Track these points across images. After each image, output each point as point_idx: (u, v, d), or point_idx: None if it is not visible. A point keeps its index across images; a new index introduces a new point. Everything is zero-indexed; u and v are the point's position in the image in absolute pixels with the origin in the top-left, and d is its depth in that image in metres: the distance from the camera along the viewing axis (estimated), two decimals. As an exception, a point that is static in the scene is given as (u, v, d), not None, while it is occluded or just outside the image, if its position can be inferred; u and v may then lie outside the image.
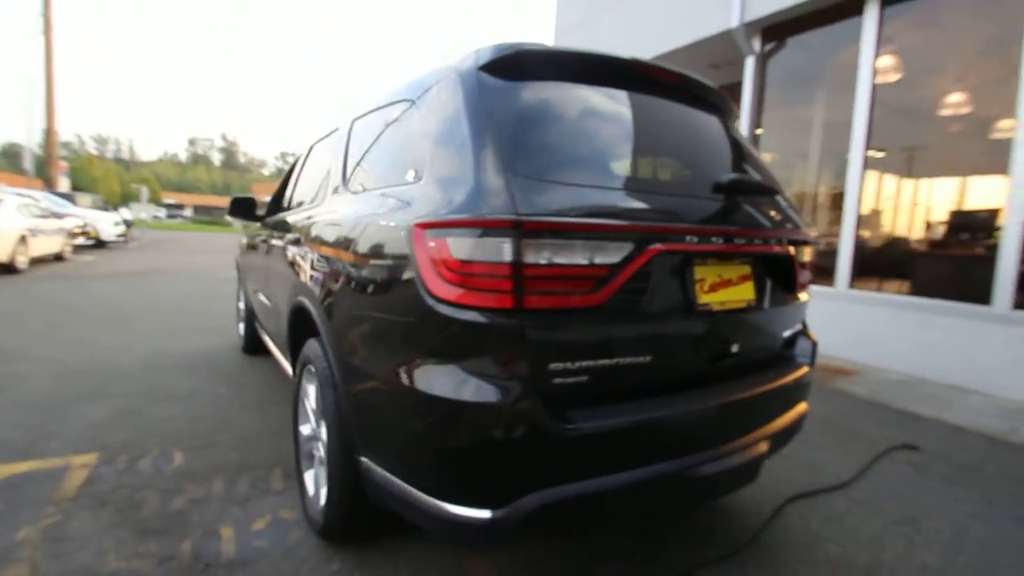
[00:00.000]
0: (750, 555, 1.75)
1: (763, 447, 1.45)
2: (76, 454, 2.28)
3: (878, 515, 2.07)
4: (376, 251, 1.33)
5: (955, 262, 4.38)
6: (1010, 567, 1.76)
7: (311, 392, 1.88)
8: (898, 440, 2.86)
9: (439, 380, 1.11)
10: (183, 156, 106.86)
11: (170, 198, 67.69)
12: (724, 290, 1.38)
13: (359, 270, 1.39)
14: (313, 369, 1.73)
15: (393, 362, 1.21)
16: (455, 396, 1.08)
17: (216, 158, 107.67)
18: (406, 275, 1.19)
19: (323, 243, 1.68)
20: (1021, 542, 1.93)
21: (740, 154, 1.65)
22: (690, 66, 7.12)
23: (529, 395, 1.08)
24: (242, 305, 4.21)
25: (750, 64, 5.57)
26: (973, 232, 4.32)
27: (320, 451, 1.74)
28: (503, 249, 1.06)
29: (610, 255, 1.14)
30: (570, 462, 1.12)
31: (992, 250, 3.93)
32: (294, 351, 2.09)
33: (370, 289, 1.33)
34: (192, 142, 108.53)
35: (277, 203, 3.42)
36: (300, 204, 2.51)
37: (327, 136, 2.47)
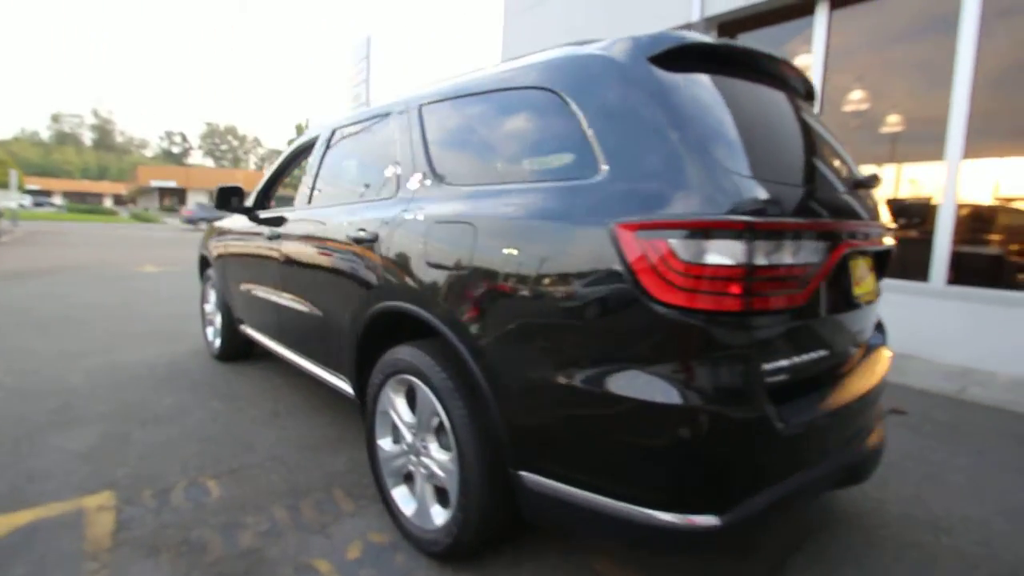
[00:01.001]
0: (824, 533, 1.88)
1: (881, 429, 1.55)
2: (83, 495, 1.93)
3: (907, 474, 2.31)
4: (553, 251, 1.22)
5: (898, 244, 4.94)
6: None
7: (400, 405, 1.73)
8: (887, 406, 3.21)
9: (661, 387, 1.06)
10: (45, 134, 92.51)
11: (33, 183, 58.47)
12: (862, 283, 1.44)
13: (525, 273, 1.28)
14: (417, 380, 1.59)
15: (594, 371, 1.14)
16: (687, 403, 1.04)
17: (87, 137, 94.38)
18: (608, 278, 1.11)
19: (440, 243, 1.51)
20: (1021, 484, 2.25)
21: (835, 145, 1.73)
22: (643, 56, 7.36)
23: (758, 395, 1.07)
24: (210, 307, 3.77)
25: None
26: (910, 217, 4.89)
27: (428, 467, 1.61)
28: (737, 251, 1.03)
29: (814, 254, 1.16)
30: (786, 459, 1.13)
31: (929, 234, 4.48)
32: (363, 360, 1.90)
33: (549, 294, 1.22)
34: (56, 118, 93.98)
35: (266, 197, 3.09)
36: (339, 198, 2.26)
37: (365, 122, 2.25)
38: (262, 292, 2.80)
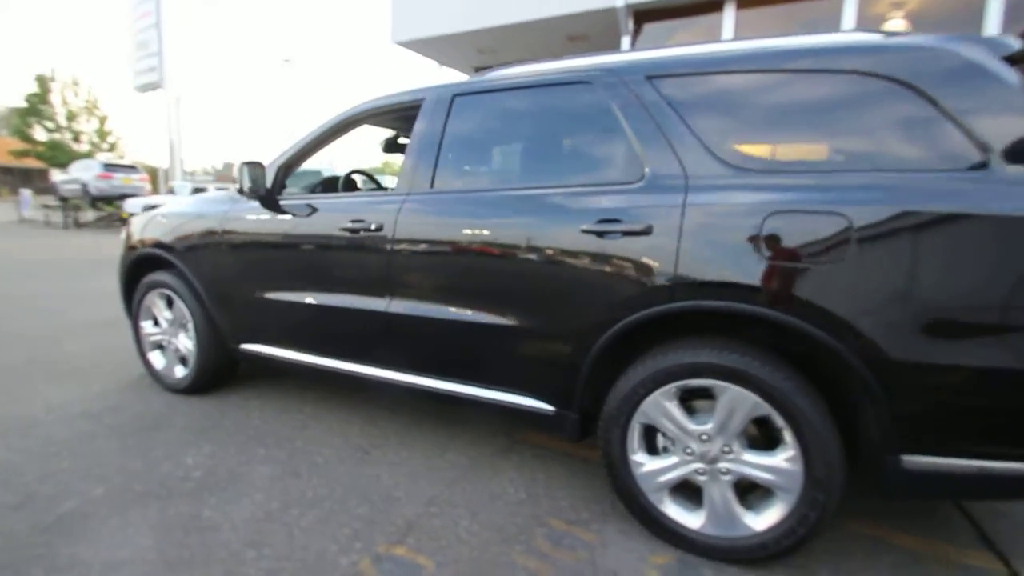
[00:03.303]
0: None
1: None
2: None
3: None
4: (959, 242, 1.25)
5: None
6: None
7: (675, 412, 1.58)
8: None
9: None
10: None
11: None
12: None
13: (937, 268, 1.27)
14: (725, 383, 1.47)
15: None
16: None
17: None
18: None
19: (793, 234, 1.38)
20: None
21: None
22: (546, 37, 7.41)
23: None
24: (163, 326, 2.77)
25: (626, 43, 6.18)
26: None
27: (735, 471, 1.52)
28: None
29: None
30: None
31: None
32: (596, 371, 1.67)
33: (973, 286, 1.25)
34: None
35: (285, 177, 2.39)
36: (504, 181, 1.85)
37: (526, 91, 1.88)
38: (323, 299, 2.18)
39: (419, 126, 2.06)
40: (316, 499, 1.86)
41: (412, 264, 1.97)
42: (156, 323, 2.82)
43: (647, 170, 1.62)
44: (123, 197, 14.37)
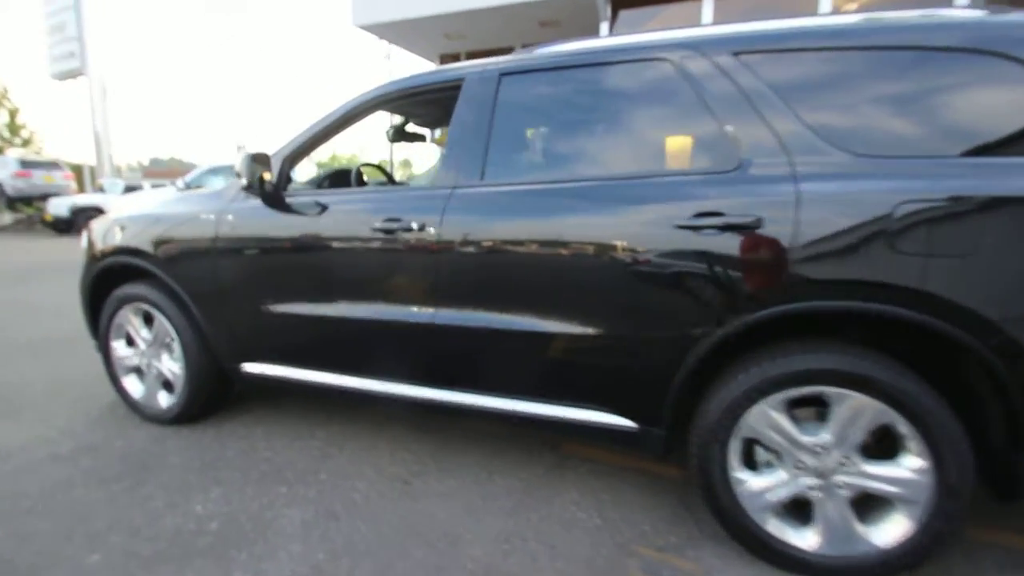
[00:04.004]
0: None
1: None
2: None
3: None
4: None
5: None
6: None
7: (786, 425, 1.43)
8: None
9: None
10: None
11: None
12: None
13: None
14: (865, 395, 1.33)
15: None
16: None
17: None
18: None
19: (951, 228, 1.25)
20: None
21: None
22: (517, 22, 7.17)
23: None
24: (140, 348, 2.38)
25: (604, 28, 6.04)
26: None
27: (869, 486, 1.40)
28: None
29: None
30: None
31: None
32: (692, 378, 1.50)
33: None
34: None
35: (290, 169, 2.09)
36: (564, 171, 1.63)
37: (585, 68, 1.67)
38: (350, 310, 1.90)
39: (462, 110, 1.80)
40: (367, 546, 1.60)
41: (464, 267, 1.72)
42: (131, 343, 2.42)
43: (743, 156, 1.45)
44: (45, 197, 12.99)
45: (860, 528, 1.42)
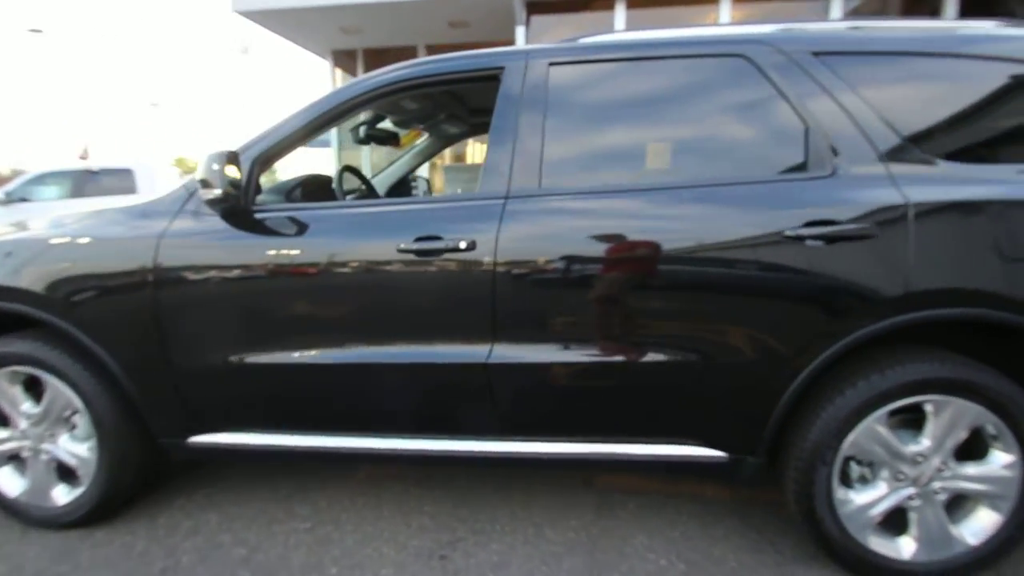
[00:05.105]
0: None
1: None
2: None
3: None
4: None
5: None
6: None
7: (887, 435, 1.40)
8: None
9: None
10: None
11: None
12: None
13: None
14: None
15: None
16: None
17: None
18: None
19: None
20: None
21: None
22: (426, 21, 6.78)
23: None
24: (12, 429, 1.66)
25: (520, 32, 5.95)
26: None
27: (945, 489, 1.41)
28: None
29: None
30: None
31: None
32: (799, 399, 1.40)
33: None
34: None
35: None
36: (636, 176, 1.41)
37: (648, 62, 1.49)
38: (368, 355, 1.49)
39: (505, 104, 1.51)
40: (443, 659, 1.24)
41: (530, 294, 1.43)
42: (5, 422, 1.69)
43: (837, 160, 1.39)
44: None
45: (954, 531, 1.44)
